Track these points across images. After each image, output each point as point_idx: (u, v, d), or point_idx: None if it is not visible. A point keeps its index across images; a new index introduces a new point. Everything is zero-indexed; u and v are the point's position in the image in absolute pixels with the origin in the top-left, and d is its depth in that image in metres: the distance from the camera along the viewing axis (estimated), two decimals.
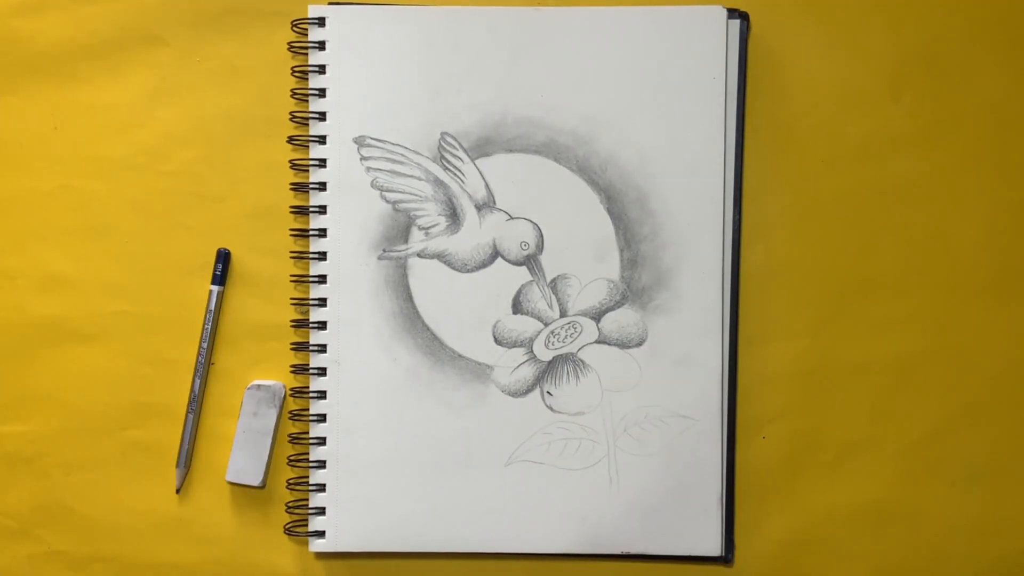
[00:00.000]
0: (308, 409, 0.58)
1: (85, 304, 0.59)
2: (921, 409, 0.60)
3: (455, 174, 0.58)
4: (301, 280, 0.58)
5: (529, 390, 0.58)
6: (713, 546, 0.58)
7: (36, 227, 0.59)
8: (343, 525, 0.58)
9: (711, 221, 0.58)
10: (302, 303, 0.59)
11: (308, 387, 0.58)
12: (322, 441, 0.58)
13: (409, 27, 0.58)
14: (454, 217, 0.58)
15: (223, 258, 0.59)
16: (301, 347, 0.58)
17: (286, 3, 0.59)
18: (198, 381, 0.59)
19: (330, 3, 0.58)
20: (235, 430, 0.59)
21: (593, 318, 0.58)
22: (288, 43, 0.58)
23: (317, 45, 0.58)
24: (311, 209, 0.58)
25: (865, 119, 0.59)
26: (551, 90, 0.58)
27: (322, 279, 0.58)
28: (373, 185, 0.58)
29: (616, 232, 0.58)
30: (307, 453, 0.58)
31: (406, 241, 0.58)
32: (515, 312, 0.58)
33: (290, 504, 0.59)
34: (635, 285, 0.58)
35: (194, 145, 0.59)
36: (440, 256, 0.58)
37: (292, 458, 0.58)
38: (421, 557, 0.59)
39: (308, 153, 0.58)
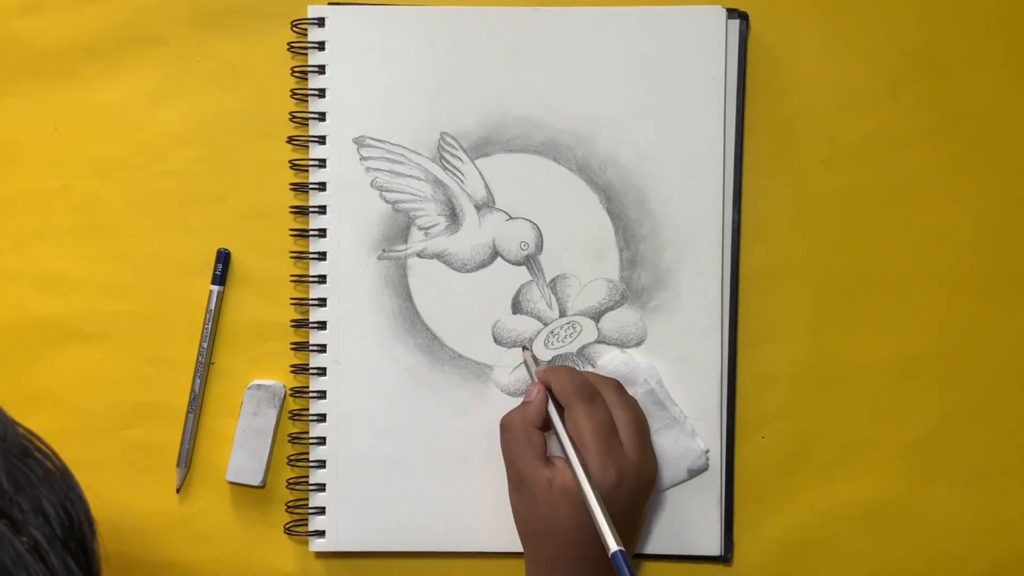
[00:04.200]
0: (308, 409, 0.58)
1: (85, 304, 0.59)
2: (921, 409, 0.60)
3: (455, 174, 0.58)
4: (301, 280, 0.58)
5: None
6: (712, 546, 0.58)
7: (36, 227, 0.59)
8: (343, 525, 0.58)
9: (710, 221, 0.58)
10: (302, 303, 0.59)
11: (308, 387, 0.58)
12: (322, 441, 0.58)
13: (409, 27, 0.58)
14: (454, 217, 0.58)
15: (223, 258, 0.59)
16: (301, 347, 0.58)
17: (286, 3, 0.59)
18: (198, 381, 0.59)
19: (330, 3, 0.58)
20: (235, 430, 0.59)
21: (592, 318, 0.58)
22: (288, 43, 0.58)
23: (317, 45, 0.58)
24: (311, 209, 0.58)
25: (864, 119, 0.59)
26: (551, 90, 0.58)
27: (322, 279, 0.58)
28: (373, 185, 0.58)
29: (615, 232, 0.58)
30: (307, 453, 0.58)
31: (406, 241, 0.58)
32: (515, 312, 0.58)
33: (290, 504, 0.59)
34: (634, 285, 0.58)
35: (194, 145, 0.59)
36: (440, 256, 0.58)
37: (292, 458, 0.58)
38: (420, 557, 0.59)
39: (308, 153, 0.58)
